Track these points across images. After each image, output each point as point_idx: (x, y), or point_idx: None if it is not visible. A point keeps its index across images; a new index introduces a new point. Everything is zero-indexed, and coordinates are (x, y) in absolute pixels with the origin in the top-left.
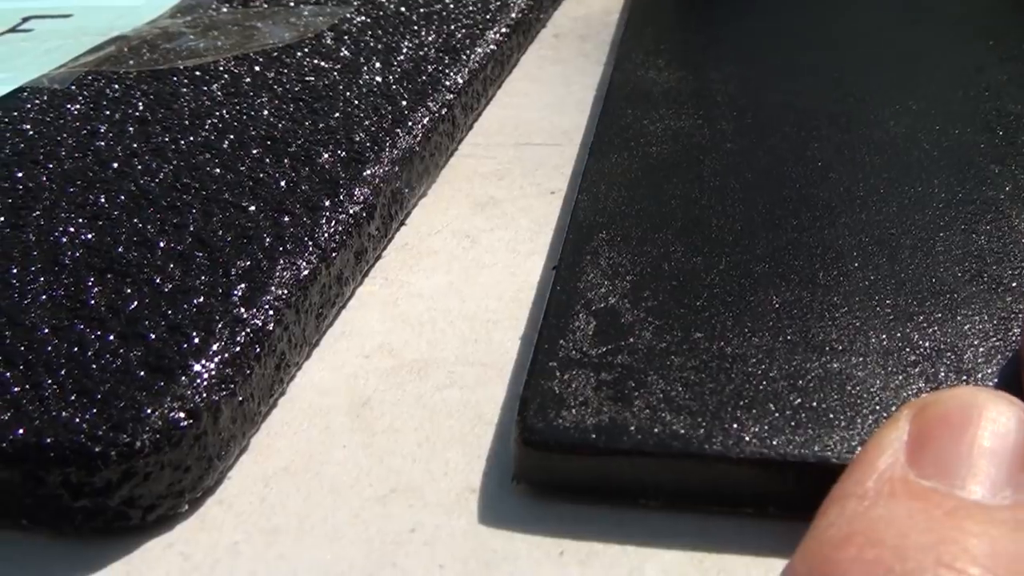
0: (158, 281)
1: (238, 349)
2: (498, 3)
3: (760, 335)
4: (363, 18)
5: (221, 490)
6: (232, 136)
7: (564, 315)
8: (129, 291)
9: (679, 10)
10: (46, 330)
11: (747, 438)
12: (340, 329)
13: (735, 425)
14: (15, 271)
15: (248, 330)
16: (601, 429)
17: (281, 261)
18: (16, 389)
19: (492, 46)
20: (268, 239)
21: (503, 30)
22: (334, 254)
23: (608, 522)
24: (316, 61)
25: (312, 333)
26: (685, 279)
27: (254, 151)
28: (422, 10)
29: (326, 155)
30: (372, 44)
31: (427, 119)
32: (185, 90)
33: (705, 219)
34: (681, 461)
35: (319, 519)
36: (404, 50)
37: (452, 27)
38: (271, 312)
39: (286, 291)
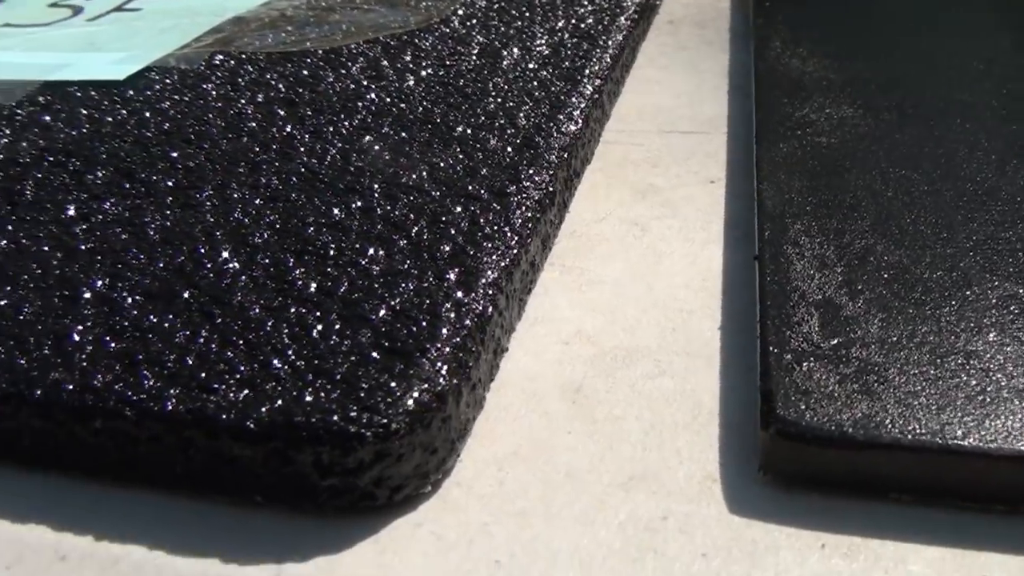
0: (363, 263)
1: (466, 333)
2: None
3: (987, 331)
4: (484, 2)
5: (456, 473)
6: (390, 119)
7: (784, 307)
8: (335, 273)
9: None
10: (258, 311)
11: (1003, 434)
12: (533, 314)
13: (987, 421)
14: (203, 251)
15: (472, 314)
16: (857, 423)
17: (485, 246)
18: (244, 369)
19: (624, 32)
20: (465, 225)
21: (632, 15)
22: (528, 239)
23: (862, 516)
24: (451, 45)
25: (514, 319)
26: (895, 273)
27: (420, 135)
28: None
29: (494, 140)
30: (503, 29)
31: (583, 104)
32: (324, 71)
33: (897, 212)
34: (937, 456)
35: (564, 504)
36: (538, 35)
37: (581, 11)
38: (488, 296)
39: (496, 275)
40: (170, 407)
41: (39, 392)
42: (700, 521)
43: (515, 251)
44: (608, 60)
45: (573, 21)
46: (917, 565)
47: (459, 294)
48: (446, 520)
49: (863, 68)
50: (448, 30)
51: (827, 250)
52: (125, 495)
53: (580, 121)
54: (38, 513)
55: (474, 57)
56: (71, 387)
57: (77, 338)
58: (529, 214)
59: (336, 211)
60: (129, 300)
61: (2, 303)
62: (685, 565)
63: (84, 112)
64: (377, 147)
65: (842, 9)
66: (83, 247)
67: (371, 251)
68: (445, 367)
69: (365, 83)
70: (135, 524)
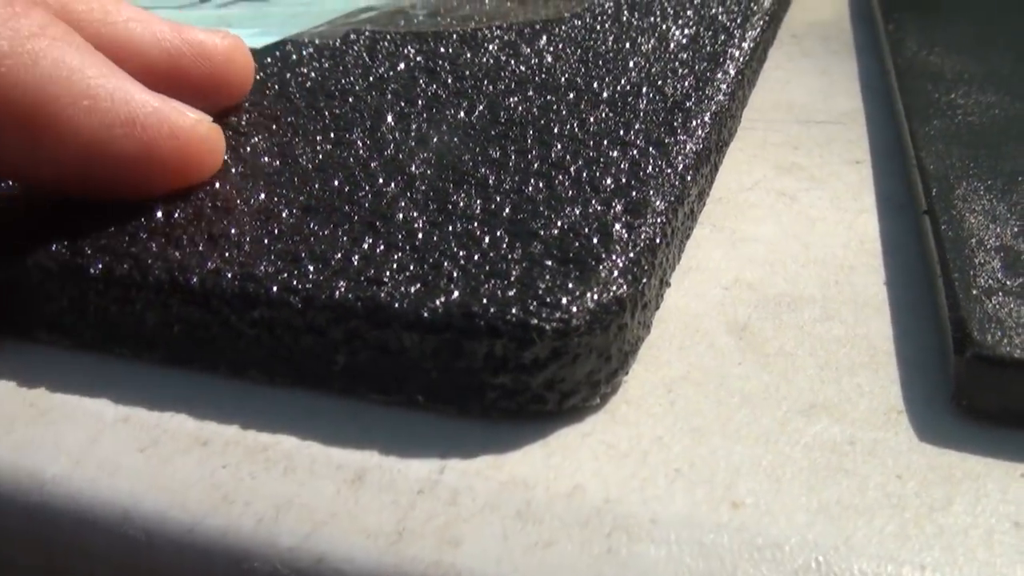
0: (527, 192)
1: (640, 250)
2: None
3: None
4: (613, 4)
5: (623, 392)
6: (536, 85)
7: (963, 251)
8: (498, 199)
9: (931, 6)
10: (422, 224)
11: None
12: (688, 264)
13: None
14: (359, 175)
15: (642, 236)
16: None
17: (649, 183)
18: (413, 268)
19: (757, 28)
20: (624, 165)
21: (765, 15)
22: (690, 185)
23: None
24: (586, 33)
25: (675, 259)
26: None
27: (566, 97)
28: (675, 2)
29: (644, 103)
30: (637, 23)
31: (728, 81)
32: (461, 48)
33: None
34: None
35: (743, 424)
36: (672, 28)
37: (712, 11)
38: (658, 223)
39: (664, 206)
40: (338, 295)
41: (195, 280)
42: (890, 447)
43: (679, 189)
44: (747, 47)
45: (706, 19)
46: None
47: (628, 218)
48: (617, 431)
49: (1002, 63)
50: (580, 23)
51: (998, 207)
52: (274, 391)
53: (727, 93)
54: (178, 403)
55: (611, 41)
56: (230, 276)
57: (234, 237)
58: (689, 161)
59: (491, 151)
60: (286, 212)
61: (157, 214)
62: (880, 486)
63: None
64: (523, 106)
65: (972, 15)
66: (233, 171)
67: (532, 182)
68: (620, 277)
69: (503, 59)
70: (285, 417)
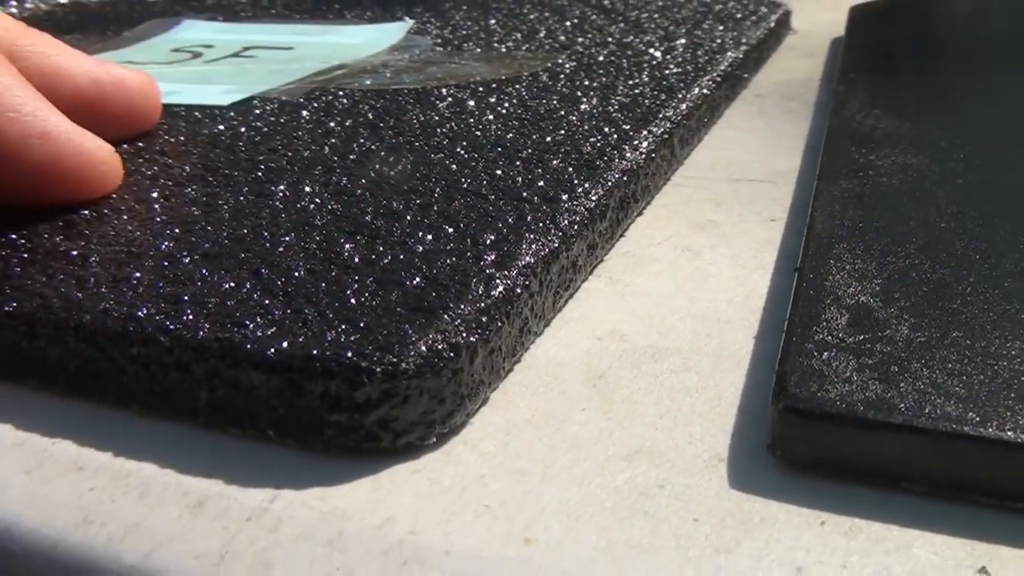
0: (409, 243)
1: (491, 302)
2: (706, 58)
3: (1022, 339)
4: (574, 63)
5: (464, 433)
6: (464, 143)
7: (815, 306)
8: (382, 249)
9: (889, 70)
10: (302, 272)
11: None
12: (570, 314)
13: (1010, 413)
14: (265, 228)
15: (500, 288)
16: (869, 403)
17: (527, 237)
18: (277, 313)
19: (705, 90)
20: (511, 220)
21: (716, 77)
22: (572, 240)
23: (870, 501)
24: (535, 91)
25: (549, 309)
26: (935, 287)
27: (488, 154)
28: (632, 59)
29: (556, 161)
30: (587, 83)
31: (649, 140)
32: (412, 105)
33: (947, 240)
34: (954, 443)
35: (564, 467)
36: (619, 88)
37: (665, 72)
38: (520, 278)
39: (532, 261)
40: (201, 335)
41: (88, 317)
42: (698, 492)
43: (555, 244)
44: (683, 108)
45: (657, 79)
46: (922, 550)
47: (493, 271)
48: (445, 470)
49: (935, 128)
50: (535, 80)
51: (869, 265)
52: (149, 424)
53: (644, 153)
54: (67, 431)
55: (555, 101)
56: (116, 315)
57: (133, 280)
58: (576, 218)
59: (396, 204)
60: (188, 258)
61: (73, 254)
62: (674, 528)
63: (183, 124)
64: (446, 162)
65: (924, 82)
66: (158, 219)
67: (419, 235)
68: (463, 325)
69: (447, 115)
70: (153, 447)
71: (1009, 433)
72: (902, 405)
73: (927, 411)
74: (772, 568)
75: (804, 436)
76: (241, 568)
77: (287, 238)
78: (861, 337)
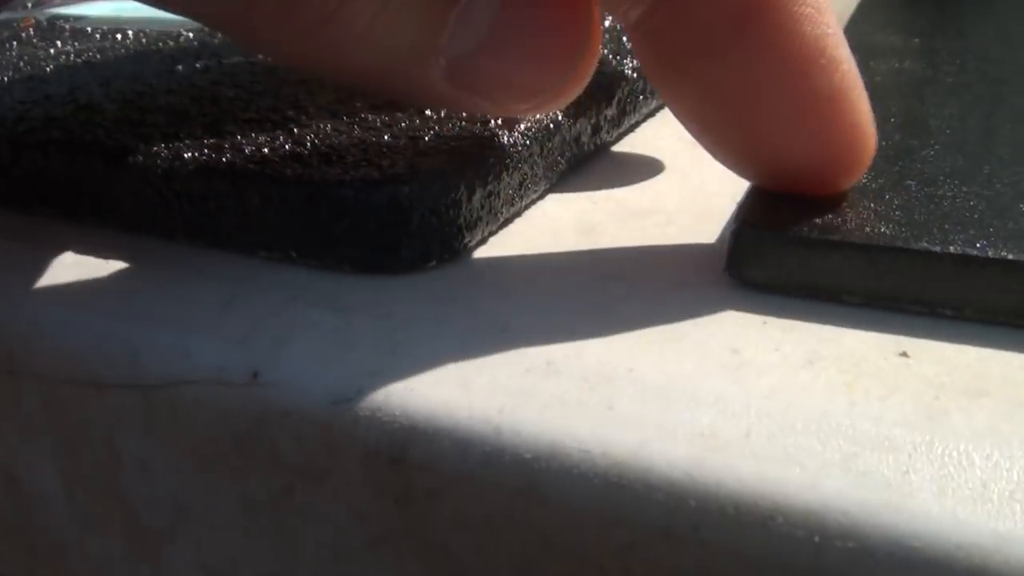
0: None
1: (498, 148)
2: None
3: (974, 188)
4: None
5: (461, 262)
6: None
7: None
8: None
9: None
10: (329, 125)
11: (953, 239)
12: (573, 184)
13: (941, 233)
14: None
15: (504, 141)
16: (814, 226)
17: None
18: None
19: None
20: None
21: None
22: (573, 116)
23: (811, 309)
24: None
25: (547, 173)
26: (900, 152)
27: None
28: None
29: None
30: None
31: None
32: None
33: (922, 119)
34: (888, 256)
35: (544, 285)
36: None
37: None
38: (522, 137)
39: (535, 127)
40: (234, 162)
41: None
42: (657, 302)
43: (557, 116)
44: None
45: None
46: (851, 341)
47: (498, 128)
48: (439, 284)
49: (940, 44)
50: None
51: None
52: (192, 250)
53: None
54: (118, 255)
55: None
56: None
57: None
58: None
59: None
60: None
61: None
62: (628, 324)
63: None
64: None
65: (942, 11)
66: None
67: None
68: (468, 165)
69: None
70: (193, 266)
71: (936, 247)
72: (843, 226)
73: (866, 230)
74: (711, 349)
75: (754, 256)
76: (260, 346)
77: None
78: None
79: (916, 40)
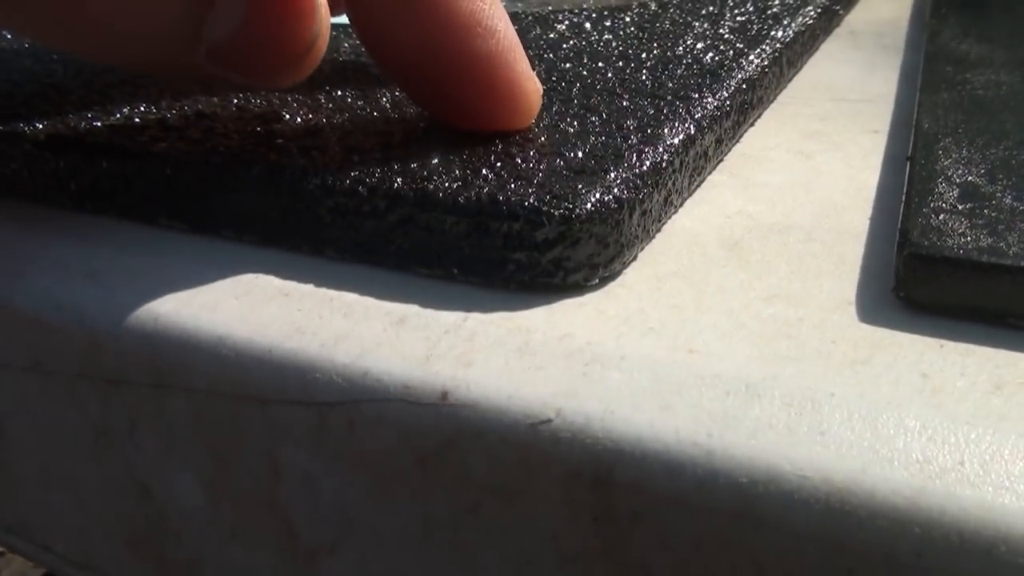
0: (561, 126)
1: (644, 169)
2: None
3: None
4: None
5: (621, 279)
6: (589, 55)
7: (928, 183)
8: (536, 131)
9: (979, 5)
10: (474, 146)
11: None
12: (700, 199)
13: None
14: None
15: (649, 160)
16: (982, 249)
17: (666, 124)
18: (458, 172)
19: (808, 19)
20: (650, 111)
21: (817, 7)
22: (704, 130)
23: (981, 333)
24: (648, 17)
25: (684, 189)
26: None
27: (614, 64)
28: None
29: (680, 70)
30: (696, 11)
31: (762, 56)
32: (532, 26)
33: None
34: None
35: (714, 304)
36: (728, 15)
37: (768, 4)
38: (664, 154)
39: (674, 142)
40: (396, 185)
41: (287, 175)
42: (832, 324)
43: (692, 131)
44: (790, 32)
45: (761, 8)
46: None
47: (640, 147)
48: (609, 304)
49: None
50: (645, 9)
51: (973, 155)
52: (342, 266)
53: (758, 66)
54: (266, 269)
55: (668, 24)
56: (314, 171)
57: (328, 150)
58: (707, 111)
59: (543, 97)
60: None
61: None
62: (815, 346)
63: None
64: (575, 70)
65: (1013, 17)
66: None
67: (568, 119)
68: (623, 185)
69: (568, 35)
70: (351, 281)
71: None
72: (1011, 251)
73: None
74: (901, 373)
75: (926, 278)
76: (446, 365)
77: None
78: (971, 205)
79: (1000, 50)
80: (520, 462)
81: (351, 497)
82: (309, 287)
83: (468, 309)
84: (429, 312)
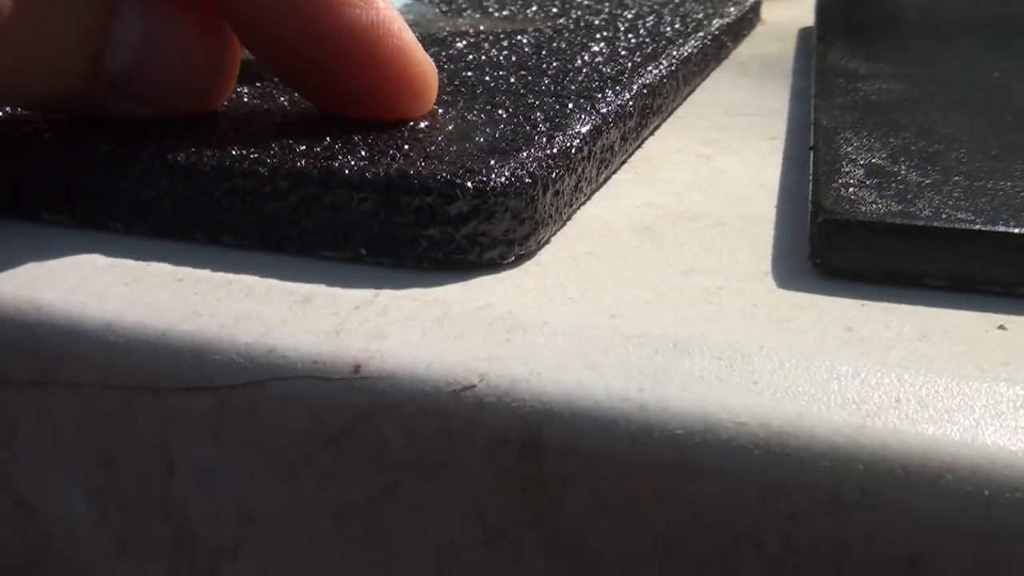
0: (467, 117)
1: (555, 151)
2: (695, 23)
3: (1019, 181)
4: (573, 24)
5: (536, 259)
6: (490, 67)
7: (834, 164)
8: (443, 121)
9: (863, 34)
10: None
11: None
12: (607, 193)
13: (1011, 218)
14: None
15: (558, 145)
16: (895, 213)
17: (573, 116)
18: (364, 152)
19: (699, 43)
20: (556, 107)
21: (708, 34)
22: (610, 124)
23: (900, 293)
24: (545, 38)
25: (593, 180)
26: (932, 156)
27: (517, 73)
28: (629, 23)
29: (581, 78)
30: (592, 34)
31: (660, 69)
32: (430, 46)
33: (937, 128)
34: (967, 240)
35: (632, 278)
36: (622, 39)
37: (661, 30)
38: (573, 140)
39: (582, 130)
40: (300, 165)
41: (180, 156)
42: (752, 291)
43: (598, 123)
44: (684, 52)
45: (654, 33)
46: (950, 317)
47: (551, 132)
48: (526, 279)
49: (912, 70)
50: (541, 32)
51: (873, 143)
52: (244, 252)
53: (657, 77)
54: (158, 258)
55: (565, 44)
56: (209, 154)
57: (231, 134)
58: (612, 108)
59: (443, 96)
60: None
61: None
62: (737, 309)
63: None
64: (477, 76)
65: (897, 44)
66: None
67: (475, 111)
68: (536, 163)
69: (466, 51)
70: (250, 265)
71: (1015, 229)
72: (923, 214)
73: (944, 217)
74: (827, 328)
75: (841, 244)
76: (358, 339)
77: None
78: (878, 180)
79: (887, 67)
80: (441, 432)
81: (254, 490)
82: (206, 272)
83: (379, 286)
84: (337, 290)
